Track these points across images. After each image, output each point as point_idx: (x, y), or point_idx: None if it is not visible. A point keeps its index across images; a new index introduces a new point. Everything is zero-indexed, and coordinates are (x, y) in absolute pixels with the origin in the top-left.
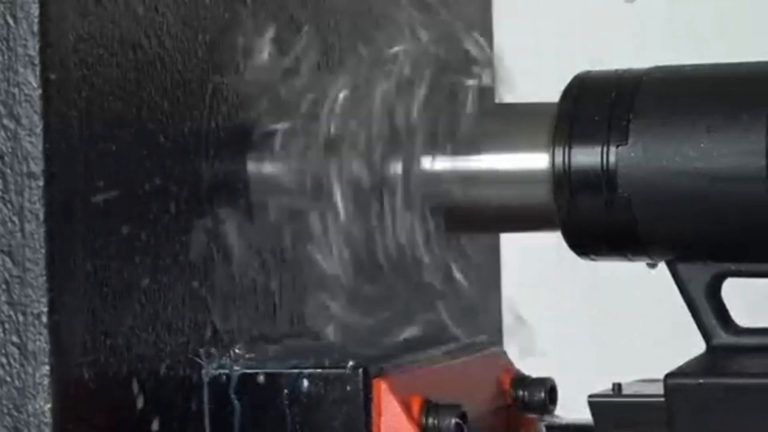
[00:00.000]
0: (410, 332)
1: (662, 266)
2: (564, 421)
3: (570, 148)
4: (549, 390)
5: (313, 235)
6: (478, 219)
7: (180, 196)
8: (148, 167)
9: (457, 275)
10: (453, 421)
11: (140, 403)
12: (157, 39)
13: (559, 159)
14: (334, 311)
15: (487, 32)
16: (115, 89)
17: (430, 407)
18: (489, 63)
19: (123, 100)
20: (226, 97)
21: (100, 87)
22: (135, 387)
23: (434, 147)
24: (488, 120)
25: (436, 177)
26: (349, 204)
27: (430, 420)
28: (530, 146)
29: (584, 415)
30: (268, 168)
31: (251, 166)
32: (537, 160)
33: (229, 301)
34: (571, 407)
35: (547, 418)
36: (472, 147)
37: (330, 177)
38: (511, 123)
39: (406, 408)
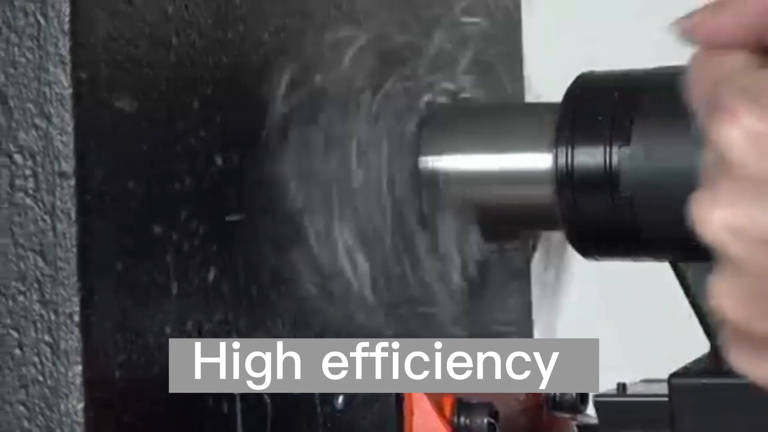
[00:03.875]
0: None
1: (663, 265)
2: (594, 421)
3: (573, 148)
4: None
5: (334, 234)
6: (481, 219)
7: (210, 196)
8: (179, 167)
9: (484, 272)
10: (485, 420)
11: (172, 403)
12: (187, 38)
13: (562, 159)
14: (358, 315)
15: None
16: (145, 88)
17: (461, 406)
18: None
19: (153, 99)
20: (259, 96)
21: (130, 86)
22: (167, 387)
23: (436, 145)
24: (491, 120)
25: (439, 176)
26: (363, 202)
27: (462, 419)
28: (533, 146)
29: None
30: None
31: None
32: (540, 160)
33: (261, 301)
34: None
35: (579, 418)
36: (475, 146)
37: (350, 178)
38: (513, 123)
39: (438, 407)
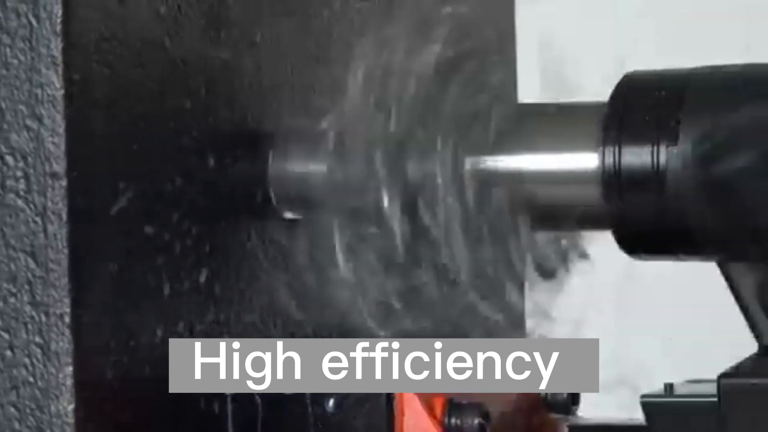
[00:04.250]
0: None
1: (710, 265)
2: (586, 422)
3: (620, 148)
4: None
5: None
6: (527, 219)
7: (202, 197)
8: (170, 168)
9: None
10: (476, 420)
11: (163, 404)
12: (180, 38)
13: (609, 159)
14: (363, 312)
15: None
16: (137, 89)
17: (453, 407)
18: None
19: (145, 100)
20: (251, 97)
21: (122, 87)
22: (158, 388)
23: (480, 145)
24: (536, 119)
25: (485, 176)
26: (394, 205)
27: (453, 420)
28: (579, 146)
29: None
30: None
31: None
32: (586, 160)
33: (251, 302)
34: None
35: (570, 418)
36: (521, 146)
37: (376, 176)
38: (559, 122)
39: (429, 408)
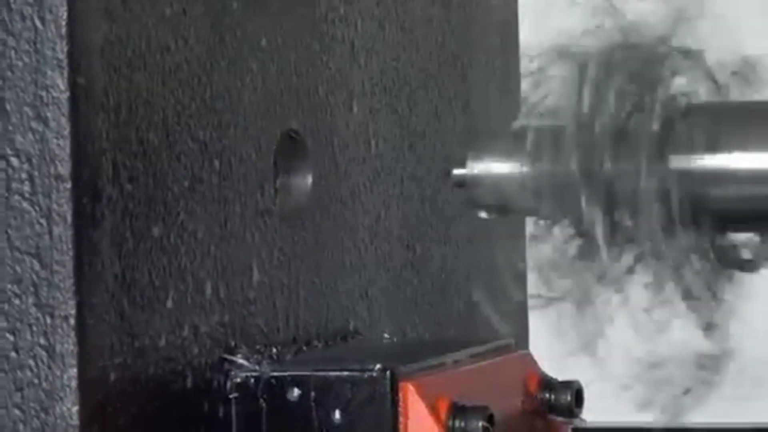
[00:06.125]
0: None
1: None
2: (590, 425)
3: None
4: (575, 393)
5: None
6: (726, 218)
7: (208, 199)
8: (175, 170)
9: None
10: (480, 423)
11: (167, 406)
12: (185, 41)
13: None
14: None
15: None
16: (142, 92)
17: (457, 410)
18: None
19: (150, 102)
20: (256, 100)
21: (127, 90)
22: (162, 390)
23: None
24: (742, 118)
25: (697, 176)
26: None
27: (457, 423)
28: None
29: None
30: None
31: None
32: None
33: (257, 305)
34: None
35: (574, 421)
36: (729, 145)
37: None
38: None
39: (433, 410)
